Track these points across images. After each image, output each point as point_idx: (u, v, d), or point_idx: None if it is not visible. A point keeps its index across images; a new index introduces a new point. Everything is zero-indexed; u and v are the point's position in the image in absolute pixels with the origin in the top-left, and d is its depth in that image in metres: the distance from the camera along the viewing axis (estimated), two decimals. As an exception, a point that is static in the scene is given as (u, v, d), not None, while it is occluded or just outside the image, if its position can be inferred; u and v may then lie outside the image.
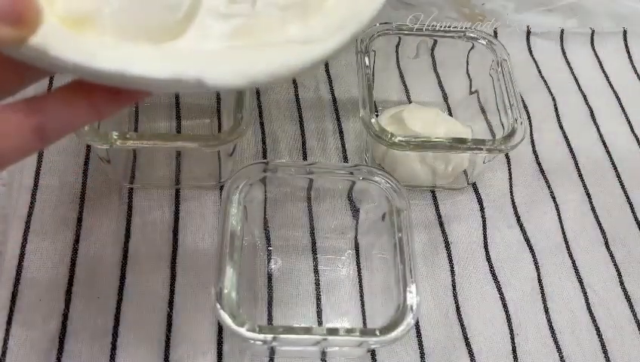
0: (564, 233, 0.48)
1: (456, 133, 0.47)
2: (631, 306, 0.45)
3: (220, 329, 0.41)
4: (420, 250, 0.45)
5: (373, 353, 0.41)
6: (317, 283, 0.43)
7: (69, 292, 0.41)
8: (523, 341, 0.43)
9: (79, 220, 0.44)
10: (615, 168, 0.52)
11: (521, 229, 0.48)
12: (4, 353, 0.39)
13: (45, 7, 0.22)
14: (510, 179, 0.50)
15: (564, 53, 0.59)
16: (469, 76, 0.51)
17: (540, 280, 0.45)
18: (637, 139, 0.54)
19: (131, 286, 0.42)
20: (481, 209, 0.48)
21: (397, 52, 0.53)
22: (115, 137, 0.40)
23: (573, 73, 0.58)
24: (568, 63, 0.59)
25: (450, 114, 0.53)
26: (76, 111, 0.24)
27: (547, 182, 0.50)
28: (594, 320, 0.44)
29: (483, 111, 0.50)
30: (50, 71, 0.25)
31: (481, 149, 0.43)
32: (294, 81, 0.54)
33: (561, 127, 0.54)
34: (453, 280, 0.44)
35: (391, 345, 0.40)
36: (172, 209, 0.45)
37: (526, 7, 0.63)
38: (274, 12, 0.26)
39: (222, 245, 0.36)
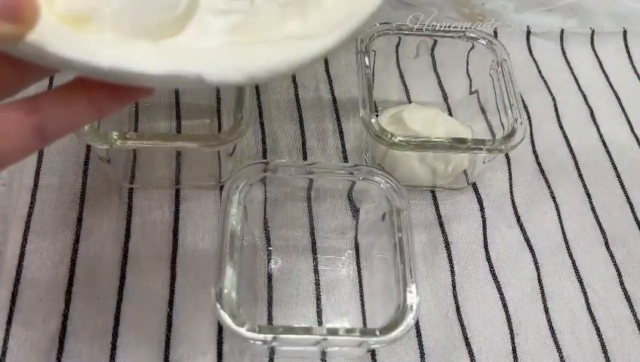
0: (564, 233, 0.48)
1: (456, 133, 0.47)
2: (631, 306, 0.45)
3: (220, 329, 0.41)
4: (420, 250, 0.45)
5: (373, 353, 0.41)
6: (317, 283, 0.43)
7: (69, 292, 0.41)
8: (523, 341, 0.43)
9: (79, 220, 0.44)
10: (615, 168, 0.52)
11: (521, 229, 0.48)
12: (4, 353, 0.39)
13: (44, 6, 0.22)
14: (510, 179, 0.50)
15: (564, 53, 0.59)
16: (469, 76, 0.51)
17: (540, 280, 0.45)
18: (637, 139, 0.54)
19: (131, 286, 0.42)
20: (481, 209, 0.48)
21: (397, 52, 0.53)
22: (115, 137, 0.40)
23: (573, 73, 0.58)
24: (568, 63, 0.59)
25: (450, 114, 0.53)
26: (76, 110, 0.24)
27: (547, 182, 0.50)
28: (594, 320, 0.44)
29: (483, 111, 0.50)
30: (49, 69, 0.25)
31: (481, 149, 0.43)
32: (294, 81, 0.54)
33: (561, 127, 0.54)
34: (453, 280, 0.44)
35: (391, 345, 0.40)
36: (172, 209, 0.45)
37: (526, 7, 0.63)
38: (273, 8, 0.26)
39: (222, 245, 0.36)
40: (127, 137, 0.40)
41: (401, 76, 0.55)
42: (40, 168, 0.46)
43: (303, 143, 0.50)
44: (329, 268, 0.44)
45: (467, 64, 0.51)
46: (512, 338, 0.43)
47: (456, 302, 0.44)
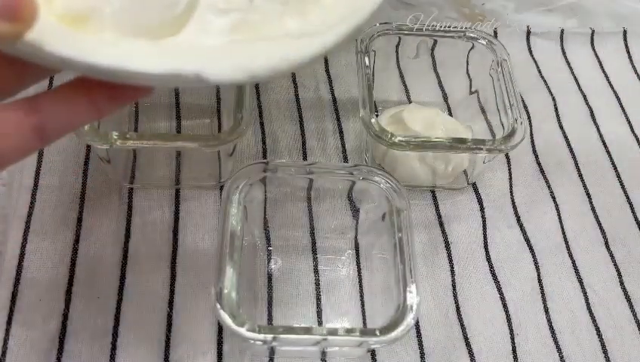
0: (564, 233, 0.48)
1: (456, 133, 0.47)
2: (631, 306, 0.45)
3: (220, 329, 0.41)
4: (420, 250, 0.45)
5: (373, 353, 0.41)
6: (317, 283, 0.43)
7: (69, 292, 0.41)
8: (523, 341, 0.43)
9: (79, 220, 0.44)
10: (615, 168, 0.52)
11: (521, 229, 0.48)
12: (4, 353, 0.39)
13: (43, 5, 0.22)
14: (510, 179, 0.50)
15: (564, 53, 0.59)
16: (469, 76, 0.51)
17: (540, 280, 0.45)
18: (637, 139, 0.54)
19: (131, 286, 0.42)
20: (481, 209, 0.48)
21: (397, 52, 0.53)
22: (115, 137, 0.40)
23: (573, 73, 0.58)
24: (568, 63, 0.59)
25: (450, 114, 0.53)
26: (76, 109, 0.24)
27: (547, 182, 0.50)
28: (594, 320, 0.44)
29: (483, 111, 0.50)
30: (48, 69, 0.25)
31: (481, 149, 0.43)
32: (294, 81, 0.54)
33: (561, 127, 0.54)
34: (453, 280, 0.44)
35: (391, 345, 0.40)
36: (172, 209, 0.45)
37: (526, 7, 0.63)
38: (273, 6, 0.26)
39: (222, 245, 0.36)
40: (127, 137, 0.40)
41: (401, 76, 0.55)
42: (40, 168, 0.46)
43: (303, 143, 0.50)
44: (329, 268, 0.44)
45: (467, 64, 0.51)
46: (512, 339, 0.43)
47: (456, 302, 0.44)
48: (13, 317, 0.40)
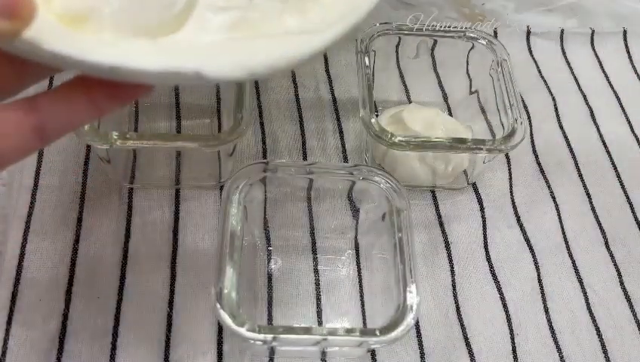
0: (564, 233, 0.48)
1: (456, 133, 0.47)
2: (631, 306, 0.45)
3: (220, 329, 0.41)
4: (420, 250, 0.45)
5: (373, 353, 0.41)
6: (317, 283, 0.43)
7: (69, 292, 0.41)
8: (523, 341, 0.43)
9: (79, 220, 0.44)
10: (615, 168, 0.52)
11: (521, 229, 0.48)
12: (4, 353, 0.39)
13: (42, 4, 0.22)
14: (510, 179, 0.50)
15: (564, 53, 0.59)
16: (469, 76, 0.51)
17: (540, 280, 0.45)
18: (637, 139, 0.54)
19: (131, 286, 0.42)
20: (481, 209, 0.48)
21: (397, 52, 0.53)
22: (115, 137, 0.40)
23: (573, 73, 0.58)
24: (568, 63, 0.59)
25: (450, 114, 0.53)
26: (76, 109, 0.24)
27: (547, 182, 0.50)
28: (594, 320, 0.44)
29: (483, 111, 0.50)
30: (48, 68, 0.25)
31: (481, 149, 0.43)
32: (294, 81, 0.54)
33: (561, 127, 0.54)
34: (453, 280, 0.44)
35: (391, 345, 0.40)
36: (172, 209, 0.45)
37: (526, 7, 0.63)
38: (272, 4, 0.26)
39: (222, 245, 0.36)
40: (127, 137, 0.40)
41: (401, 76, 0.55)
42: (40, 168, 0.46)
43: (303, 143, 0.50)
44: (329, 268, 0.44)
45: (467, 64, 0.51)
46: (512, 339, 0.43)
47: (456, 302, 0.44)
48: (13, 317, 0.40)
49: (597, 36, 0.61)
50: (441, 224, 0.47)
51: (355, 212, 0.45)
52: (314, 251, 0.45)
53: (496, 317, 0.43)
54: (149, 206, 0.45)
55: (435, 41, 0.51)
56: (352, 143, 0.51)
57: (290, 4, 0.26)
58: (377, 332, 0.34)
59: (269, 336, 0.33)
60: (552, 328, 0.43)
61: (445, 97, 0.54)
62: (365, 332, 0.35)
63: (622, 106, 0.56)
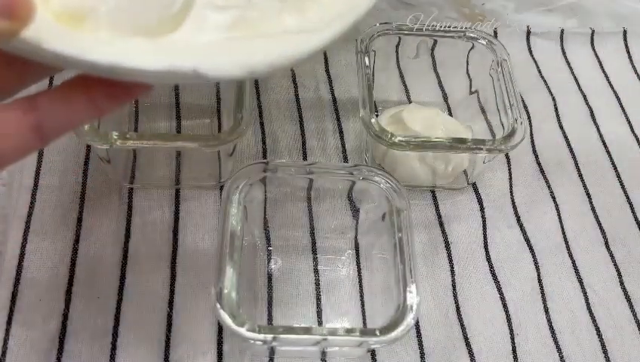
0: (564, 233, 0.48)
1: (456, 133, 0.47)
2: (631, 306, 0.45)
3: (220, 329, 0.41)
4: (420, 250, 0.45)
5: (373, 353, 0.41)
6: (317, 283, 0.43)
7: (69, 292, 0.41)
8: (523, 341, 0.43)
9: (79, 220, 0.44)
10: (615, 168, 0.52)
11: (521, 229, 0.48)
12: (4, 353, 0.39)
13: (40, 4, 0.22)
14: (510, 179, 0.50)
15: (564, 53, 0.59)
16: (469, 76, 0.51)
17: (540, 280, 0.45)
18: (637, 139, 0.54)
19: (131, 286, 0.42)
20: (481, 209, 0.48)
21: (397, 52, 0.53)
22: (115, 137, 0.40)
23: (573, 73, 0.58)
24: (568, 63, 0.59)
25: (450, 114, 0.53)
26: (75, 108, 0.24)
27: (547, 182, 0.50)
28: (594, 320, 0.44)
29: (483, 111, 0.50)
30: (48, 68, 0.25)
31: (481, 149, 0.43)
32: (294, 81, 0.54)
33: (561, 127, 0.54)
34: (453, 280, 0.44)
35: (391, 345, 0.40)
36: (172, 209, 0.45)
37: (526, 7, 0.63)
38: (271, 3, 0.26)
39: (222, 245, 0.36)
40: (127, 137, 0.40)
41: (401, 76, 0.55)
42: (40, 168, 0.46)
43: (303, 143, 0.50)
44: (329, 268, 0.44)
45: (467, 64, 0.51)
46: (512, 338, 0.43)
47: (456, 302, 0.44)
48: (13, 317, 0.40)
49: (597, 36, 0.61)
50: (441, 224, 0.47)
51: (355, 212, 0.45)
52: (314, 251, 0.45)
53: (496, 317, 0.43)
54: (149, 206, 0.45)
55: (435, 41, 0.51)
56: (352, 143, 0.51)
57: (289, 3, 0.26)
58: (377, 332, 0.34)
59: (269, 336, 0.33)
60: (552, 328, 0.43)
61: (445, 97, 0.54)
62: (365, 332, 0.35)
63: (622, 106, 0.56)
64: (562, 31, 0.61)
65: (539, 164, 0.51)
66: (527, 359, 0.42)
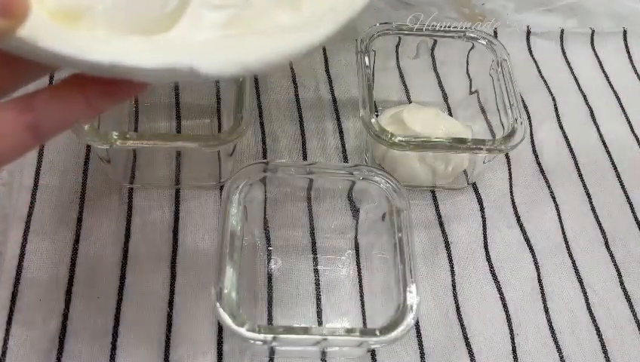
0: (564, 233, 0.48)
1: (456, 133, 0.47)
2: (631, 306, 0.45)
3: (220, 329, 0.41)
4: (420, 250, 0.45)
5: (373, 353, 0.41)
6: (317, 283, 0.43)
7: (69, 292, 0.41)
8: (523, 341, 0.43)
9: (79, 220, 0.44)
10: (615, 168, 0.52)
11: (521, 229, 0.48)
12: (4, 353, 0.39)
13: (35, 2, 0.22)
14: (510, 179, 0.50)
15: (564, 53, 0.59)
16: (469, 76, 0.51)
17: (540, 280, 0.45)
18: (637, 139, 0.54)
19: (131, 286, 0.42)
20: (481, 209, 0.48)
21: (397, 52, 0.53)
22: (115, 137, 0.40)
23: (573, 73, 0.58)
24: (568, 63, 0.59)
25: (450, 114, 0.53)
26: (70, 107, 0.24)
27: (547, 182, 0.50)
28: (594, 320, 0.44)
29: (483, 111, 0.50)
30: (45, 67, 0.25)
31: (481, 149, 0.43)
32: (294, 81, 0.54)
33: (561, 127, 0.54)
34: (453, 280, 0.44)
35: (391, 345, 0.40)
36: (172, 209, 0.45)
37: (526, 7, 0.63)
38: (267, 1, 0.26)
39: (222, 245, 0.36)
40: (127, 137, 0.40)
41: (401, 76, 0.55)
42: (40, 168, 0.46)
43: (303, 143, 0.50)
44: (329, 268, 0.44)
45: (467, 64, 0.51)
46: (512, 338, 0.43)
47: (456, 302, 0.44)
48: (13, 317, 0.40)
49: (597, 36, 0.61)
50: (441, 224, 0.47)
51: (355, 212, 0.45)
52: (314, 251, 0.45)
53: (496, 317, 0.43)
54: (149, 206, 0.45)
55: (435, 41, 0.51)
56: (352, 143, 0.51)
57: (285, 0, 0.26)
58: (377, 332, 0.34)
59: (269, 336, 0.33)
60: (552, 328, 0.43)
61: (445, 97, 0.54)
62: (365, 332, 0.35)
63: (622, 106, 0.56)
64: (562, 31, 0.61)
65: (539, 164, 0.51)
66: (527, 359, 0.42)
